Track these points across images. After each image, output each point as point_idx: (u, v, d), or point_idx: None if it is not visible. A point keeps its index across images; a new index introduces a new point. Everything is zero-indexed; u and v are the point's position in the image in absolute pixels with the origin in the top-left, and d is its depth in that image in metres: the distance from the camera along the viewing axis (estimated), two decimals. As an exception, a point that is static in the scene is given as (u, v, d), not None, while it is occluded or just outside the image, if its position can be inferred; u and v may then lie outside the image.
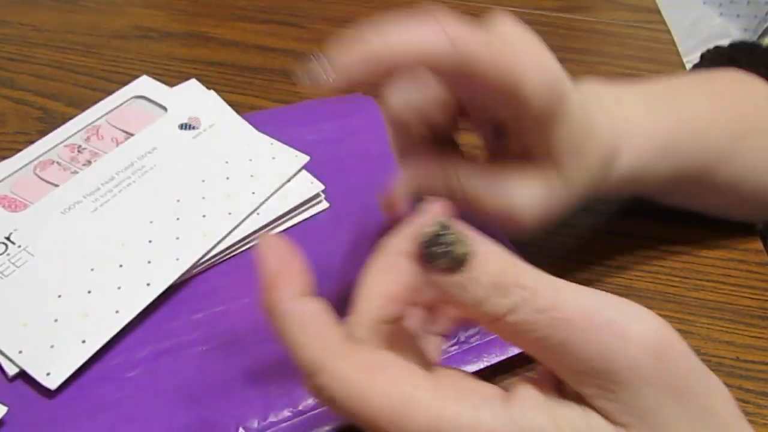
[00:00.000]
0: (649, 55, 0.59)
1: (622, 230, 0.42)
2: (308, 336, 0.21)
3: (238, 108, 0.46)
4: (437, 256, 0.19)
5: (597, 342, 0.19)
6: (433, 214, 0.27)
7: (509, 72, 0.27)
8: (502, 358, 0.33)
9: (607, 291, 0.21)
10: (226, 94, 0.48)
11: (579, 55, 0.58)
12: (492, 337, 0.33)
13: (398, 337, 0.24)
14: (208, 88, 0.47)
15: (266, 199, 0.40)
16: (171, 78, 0.51)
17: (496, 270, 0.20)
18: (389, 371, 0.21)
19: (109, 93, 0.46)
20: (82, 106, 0.46)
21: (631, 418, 0.20)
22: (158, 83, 0.47)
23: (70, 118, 0.44)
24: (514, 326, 0.20)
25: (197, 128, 0.44)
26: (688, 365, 0.20)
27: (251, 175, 0.41)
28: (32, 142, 0.42)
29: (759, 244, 0.42)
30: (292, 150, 0.43)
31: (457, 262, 0.19)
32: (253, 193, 0.40)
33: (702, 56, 0.44)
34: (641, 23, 0.64)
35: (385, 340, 0.23)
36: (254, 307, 0.35)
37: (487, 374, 0.33)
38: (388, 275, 0.25)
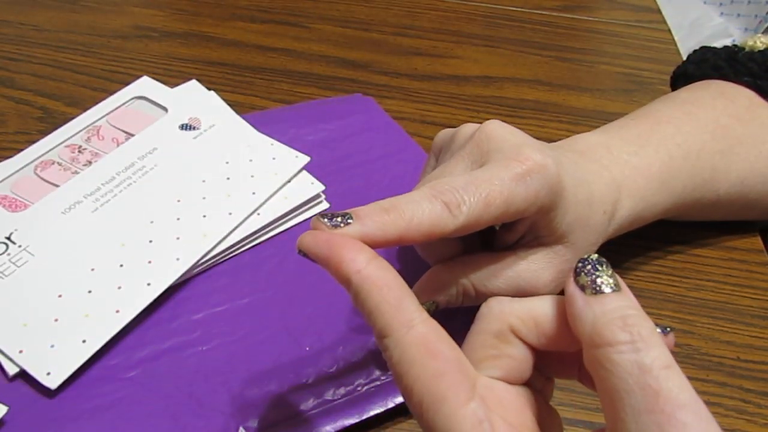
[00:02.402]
0: (649, 55, 0.59)
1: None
2: (385, 303, 0.22)
3: (238, 108, 0.46)
4: (587, 273, 0.22)
5: None
6: None
7: (508, 207, 0.28)
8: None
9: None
10: (226, 94, 0.48)
11: (579, 55, 0.58)
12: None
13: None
14: (208, 88, 0.47)
15: (267, 200, 0.40)
16: (171, 78, 0.51)
17: (630, 309, 0.21)
18: (440, 364, 0.21)
19: (110, 93, 0.46)
20: (83, 105, 0.46)
21: None
22: (159, 84, 0.47)
23: (71, 118, 0.44)
24: (607, 363, 0.20)
25: (198, 129, 0.44)
26: None
27: (251, 176, 0.41)
28: (33, 142, 0.42)
29: (759, 244, 0.42)
30: (292, 150, 0.43)
31: (600, 284, 0.22)
32: (254, 193, 0.40)
33: (688, 58, 0.44)
34: (641, 23, 0.64)
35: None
36: (254, 307, 0.36)
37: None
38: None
